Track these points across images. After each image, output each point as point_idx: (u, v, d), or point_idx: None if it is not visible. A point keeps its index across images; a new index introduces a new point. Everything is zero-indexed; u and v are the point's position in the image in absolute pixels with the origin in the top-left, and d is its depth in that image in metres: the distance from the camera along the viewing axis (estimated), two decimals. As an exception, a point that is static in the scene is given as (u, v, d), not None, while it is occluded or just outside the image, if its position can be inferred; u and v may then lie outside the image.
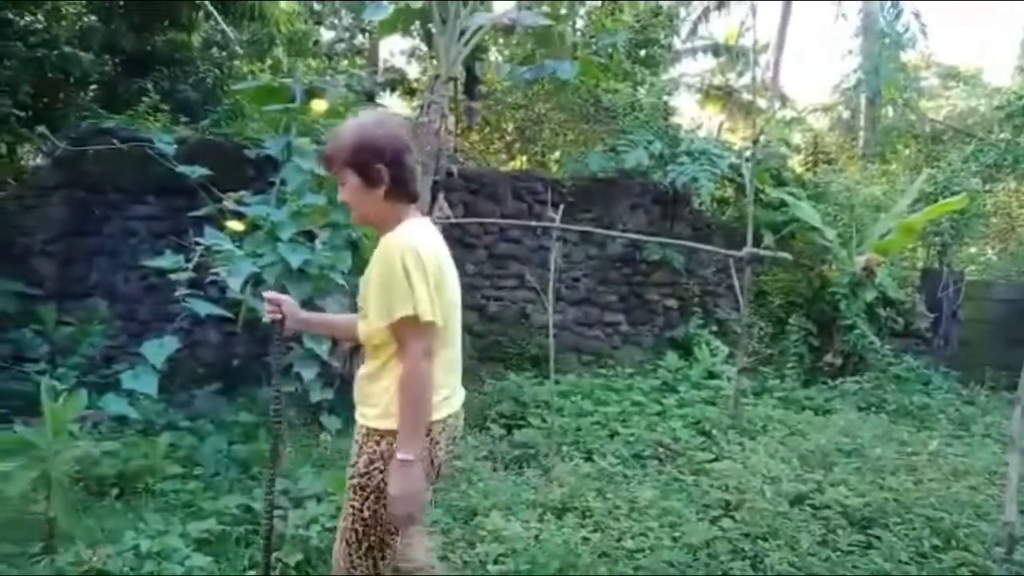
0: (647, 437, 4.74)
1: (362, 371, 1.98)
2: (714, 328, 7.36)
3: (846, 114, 18.52)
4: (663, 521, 3.42)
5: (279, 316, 2.12)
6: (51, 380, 3.73)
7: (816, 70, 37.75)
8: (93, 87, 8.60)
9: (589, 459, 4.38)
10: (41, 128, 5.50)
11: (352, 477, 1.91)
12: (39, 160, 6.45)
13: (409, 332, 1.77)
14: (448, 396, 1.96)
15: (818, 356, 7.35)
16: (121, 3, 8.42)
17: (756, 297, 7.05)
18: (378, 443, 1.86)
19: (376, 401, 1.89)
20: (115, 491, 3.53)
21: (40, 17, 8.12)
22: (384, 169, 1.84)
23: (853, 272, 7.23)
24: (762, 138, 6.32)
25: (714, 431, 4.79)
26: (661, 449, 4.52)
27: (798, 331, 7.20)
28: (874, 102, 14.99)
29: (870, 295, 7.17)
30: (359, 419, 1.95)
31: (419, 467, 1.79)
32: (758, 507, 3.46)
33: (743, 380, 5.48)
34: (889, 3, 15.18)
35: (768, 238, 7.02)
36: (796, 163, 10.07)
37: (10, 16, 7.24)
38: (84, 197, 5.60)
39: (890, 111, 16.02)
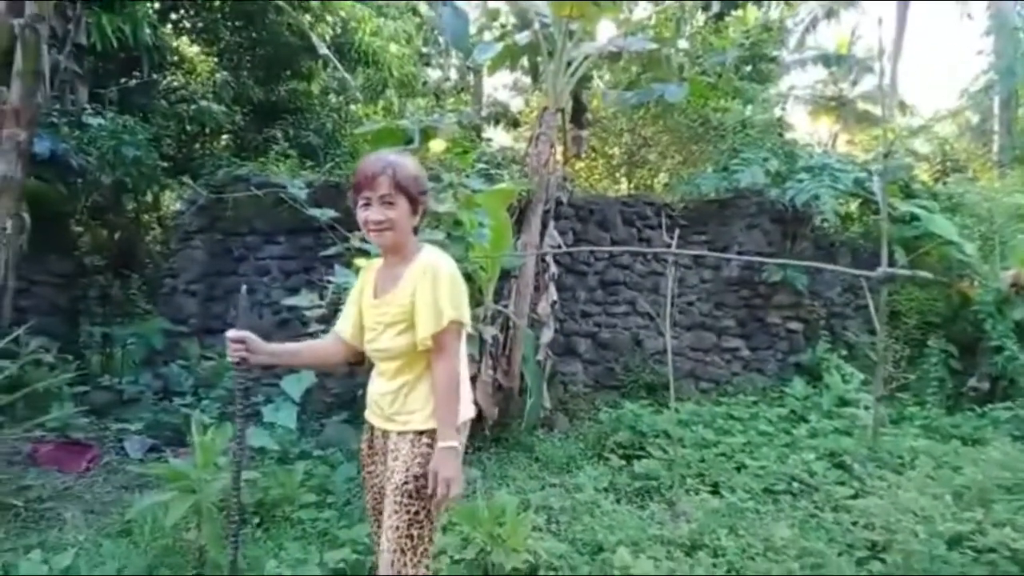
0: (778, 470, 4.49)
1: (392, 385, 2.10)
2: (843, 352, 6.93)
3: (975, 118, 17.26)
4: (804, 562, 3.22)
5: (245, 354, 2.19)
6: (198, 412, 4.01)
7: (936, 74, 35.47)
8: (225, 136, 9.32)
9: (716, 493, 4.21)
10: (185, 178, 5.99)
11: (406, 482, 2.00)
12: (180, 206, 7.00)
13: (452, 336, 2.01)
14: (469, 398, 2.21)
15: (961, 381, 6.77)
16: (248, 58, 9.11)
17: (890, 318, 6.60)
18: (429, 445, 2.02)
19: (419, 406, 2.07)
20: (256, 519, 3.70)
21: (179, 76, 8.90)
22: (423, 204, 2.12)
23: (998, 289, 6.67)
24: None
25: (853, 464, 4.49)
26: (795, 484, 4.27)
27: (938, 354, 6.66)
28: (1010, 104, 13.88)
29: (1019, 313, 6.57)
30: (396, 427, 2.09)
31: (460, 453, 2.02)
32: (911, 549, 3.18)
33: (881, 408, 5.11)
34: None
35: (899, 255, 6.57)
36: (923, 173, 9.45)
37: (155, 77, 7.96)
38: (222, 240, 6.01)
39: (1028, 112, 14.81)
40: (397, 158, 2.09)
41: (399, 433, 2.07)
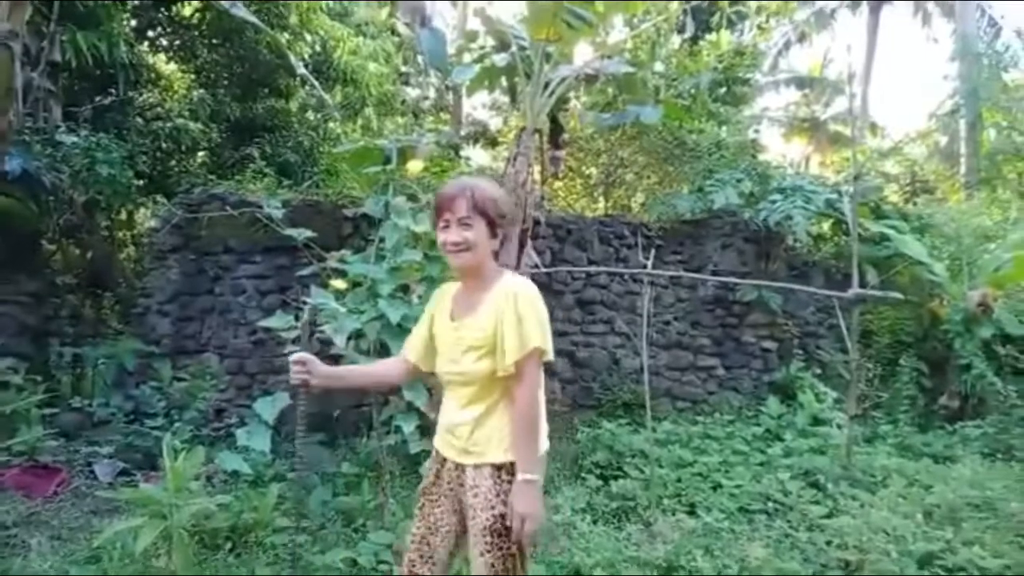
0: (753, 489, 4.53)
1: (466, 415, 2.08)
2: (817, 371, 7.02)
3: (943, 141, 17.68)
4: (778, 582, 3.24)
5: (306, 377, 2.21)
6: (169, 436, 3.94)
7: (906, 97, 36.36)
8: (201, 154, 9.26)
9: (692, 513, 4.23)
10: (160, 197, 5.93)
11: (493, 523, 1.98)
12: (154, 224, 6.93)
13: (534, 363, 1.99)
14: (546, 431, 2.15)
15: (932, 398, 6.89)
16: (225, 75, 9.08)
17: (862, 337, 6.70)
18: (510, 481, 1.99)
19: (495, 436, 2.04)
20: (228, 544, 3.64)
21: (156, 93, 8.85)
22: (502, 227, 2.12)
23: (966, 308, 6.80)
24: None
25: (827, 483, 4.53)
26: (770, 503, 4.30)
27: (909, 372, 6.77)
28: (975, 127, 14.25)
29: (987, 332, 6.70)
30: (472, 460, 2.06)
31: (540, 486, 1.97)
32: (882, 568, 3.24)
33: (854, 426, 5.18)
34: (986, 23, 14.57)
35: (871, 275, 6.69)
36: (893, 194, 9.65)
37: (131, 95, 7.90)
38: (196, 259, 5.95)
39: (992, 135, 15.20)
40: (477, 181, 2.12)
41: (476, 467, 2.05)
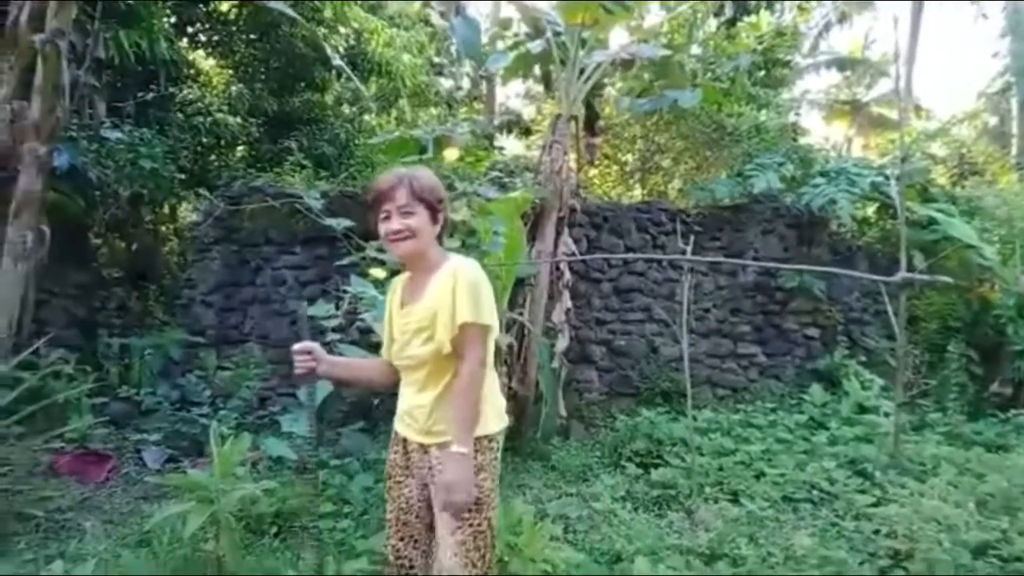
0: (797, 478, 4.44)
1: (425, 398, 2.09)
2: (862, 358, 6.85)
3: (992, 121, 17.08)
4: (824, 571, 3.19)
5: (313, 365, 2.22)
6: (216, 423, 4.02)
7: (953, 77, 35.21)
8: (240, 148, 9.40)
9: (735, 501, 4.17)
10: (202, 190, 6.04)
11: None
12: (196, 217, 7.06)
13: (471, 339, 1.98)
14: (504, 407, 2.20)
15: (983, 386, 6.68)
16: (263, 70, 9.19)
17: (909, 323, 6.51)
18: (475, 455, 2.01)
19: None
20: (274, 529, 3.71)
21: (195, 89, 8.99)
22: (443, 212, 2.13)
23: (1019, 292, 6.57)
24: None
25: (874, 471, 4.43)
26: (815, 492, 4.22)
27: (958, 359, 6.56)
28: (1027, 105, 13.75)
29: (1040, 317, 6.48)
30: (435, 440, 2.07)
31: (471, 459, 1.97)
32: (934, 557, 3.14)
33: (901, 414, 5.05)
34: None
35: (918, 259, 6.50)
36: (940, 176, 9.35)
37: (172, 90, 8.04)
38: (238, 250, 6.05)
39: (1045, 113, 14.64)
40: (412, 170, 2.13)
41: (439, 446, 2.05)
